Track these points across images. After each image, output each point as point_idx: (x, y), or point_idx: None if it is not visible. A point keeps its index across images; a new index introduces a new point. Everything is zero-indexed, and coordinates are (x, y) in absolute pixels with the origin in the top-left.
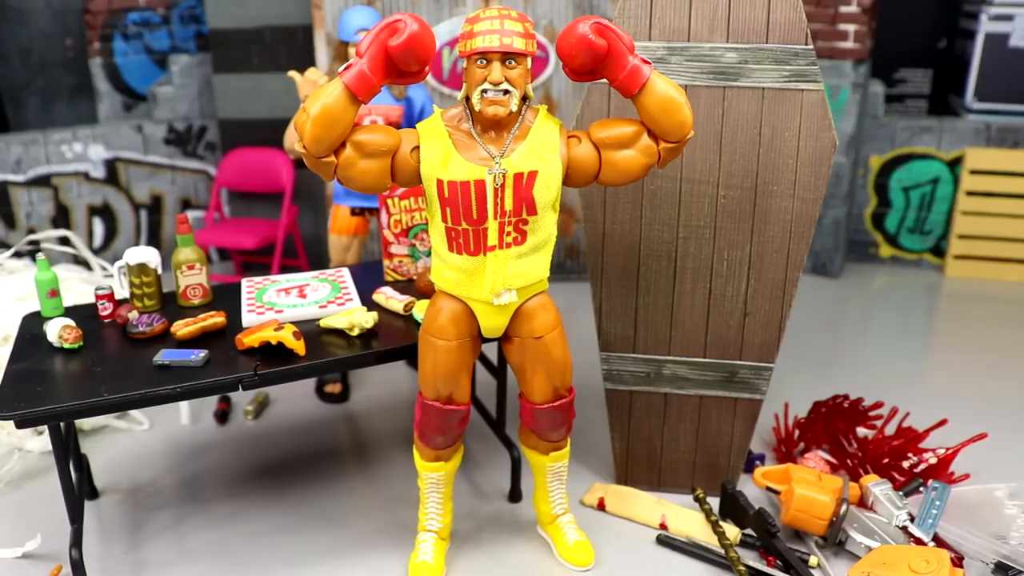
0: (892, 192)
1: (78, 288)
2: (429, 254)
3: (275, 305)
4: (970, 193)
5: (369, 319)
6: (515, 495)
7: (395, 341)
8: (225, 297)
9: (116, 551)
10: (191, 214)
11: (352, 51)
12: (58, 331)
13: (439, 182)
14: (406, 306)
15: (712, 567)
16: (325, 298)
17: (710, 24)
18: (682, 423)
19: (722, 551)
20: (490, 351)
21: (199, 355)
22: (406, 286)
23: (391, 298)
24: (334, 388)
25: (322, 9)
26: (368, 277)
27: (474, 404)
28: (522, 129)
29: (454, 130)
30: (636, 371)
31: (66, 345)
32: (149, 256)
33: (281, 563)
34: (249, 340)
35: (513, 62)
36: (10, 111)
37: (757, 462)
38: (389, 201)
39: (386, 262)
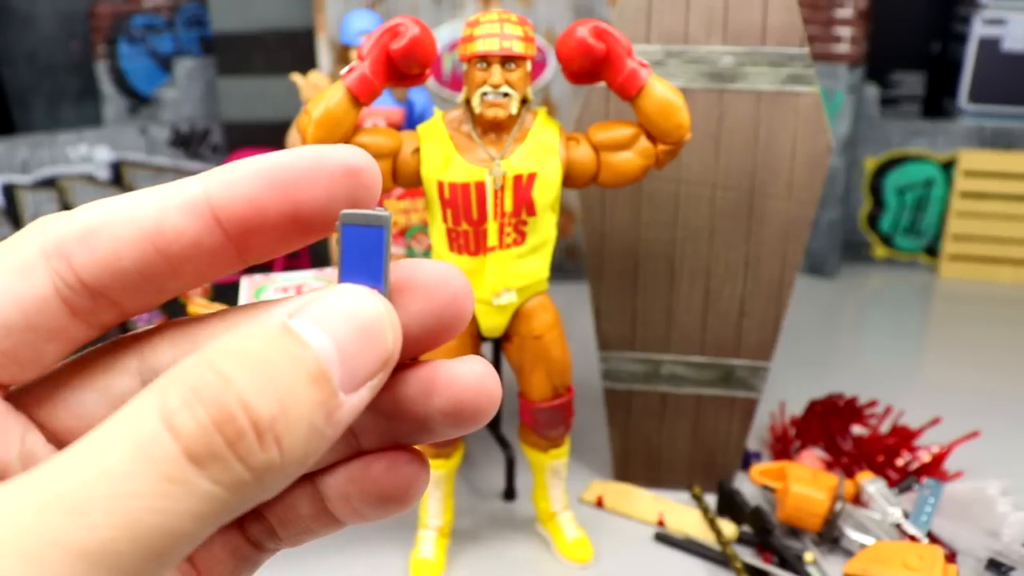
0: (887, 193)
1: None
2: (425, 255)
3: None
4: (964, 194)
5: None
6: (510, 493)
7: None
8: (225, 295)
9: None
10: None
11: (354, 54)
12: None
13: (440, 184)
14: None
15: (709, 563)
16: None
17: (707, 27)
18: (679, 421)
19: (719, 548)
20: (484, 350)
21: None
22: None
23: None
24: None
25: (325, 13)
26: None
27: None
28: (521, 131)
29: (454, 132)
30: (634, 370)
31: None
32: None
33: (281, 559)
34: None
35: (513, 65)
36: (16, 114)
37: (753, 460)
38: (386, 202)
39: None
